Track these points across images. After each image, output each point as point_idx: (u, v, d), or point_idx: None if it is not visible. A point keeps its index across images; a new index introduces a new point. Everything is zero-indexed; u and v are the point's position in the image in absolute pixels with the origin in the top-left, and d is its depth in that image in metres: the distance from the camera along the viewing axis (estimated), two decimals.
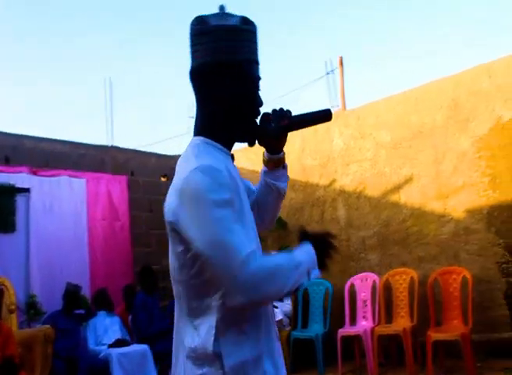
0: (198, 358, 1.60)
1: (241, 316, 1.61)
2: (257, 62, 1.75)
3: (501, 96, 6.01)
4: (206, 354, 1.58)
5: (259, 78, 1.75)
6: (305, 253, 1.61)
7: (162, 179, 8.76)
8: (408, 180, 6.59)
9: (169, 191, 1.65)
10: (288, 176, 1.95)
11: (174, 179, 1.64)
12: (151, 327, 6.51)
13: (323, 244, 1.67)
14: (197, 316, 1.63)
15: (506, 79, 6.01)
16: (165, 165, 8.85)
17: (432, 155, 6.44)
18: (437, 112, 6.49)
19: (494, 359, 5.48)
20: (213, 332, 1.58)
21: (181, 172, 1.61)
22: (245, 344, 1.61)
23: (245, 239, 1.52)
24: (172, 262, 1.69)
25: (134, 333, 6.63)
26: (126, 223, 8.18)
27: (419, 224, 6.41)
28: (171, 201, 1.61)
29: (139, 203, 8.46)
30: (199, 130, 1.73)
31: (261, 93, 1.76)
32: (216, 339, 1.58)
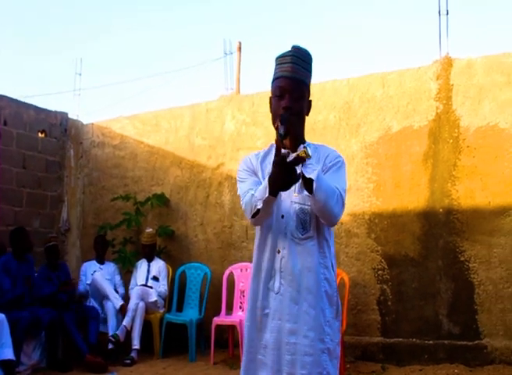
0: None
1: None
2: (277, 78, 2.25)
3: (392, 107, 5.92)
4: None
5: (277, 93, 2.22)
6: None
7: (40, 134, 7.76)
8: None
9: None
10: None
11: None
12: (9, 293, 5.68)
13: None
14: None
15: (398, 91, 5.92)
16: (44, 120, 7.86)
17: None
18: (330, 112, 6.27)
19: (363, 362, 5.47)
20: None
21: None
22: None
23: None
24: None
25: None
26: None
27: None
28: None
29: (10, 157, 7.43)
30: None
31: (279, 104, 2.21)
32: None
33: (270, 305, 2.16)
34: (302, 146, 2.03)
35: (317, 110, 6.31)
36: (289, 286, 2.12)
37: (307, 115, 2.29)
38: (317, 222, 2.14)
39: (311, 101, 2.29)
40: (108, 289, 6.30)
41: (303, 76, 2.22)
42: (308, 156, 1.99)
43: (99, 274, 6.43)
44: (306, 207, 2.15)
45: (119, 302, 6.21)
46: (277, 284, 2.14)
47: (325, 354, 2.11)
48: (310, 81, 2.27)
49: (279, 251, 2.15)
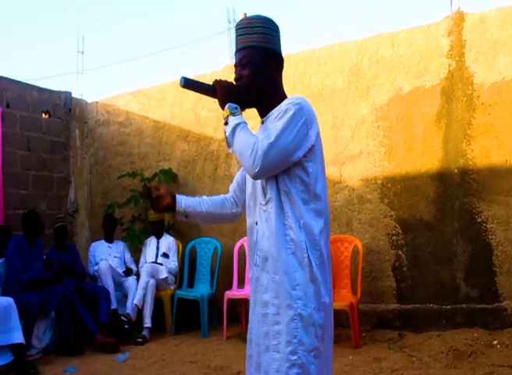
0: None
1: None
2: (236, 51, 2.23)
3: (403, 67, 5.74)
4: None
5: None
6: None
7: (44, 116, 7.69)
8: None
9: None
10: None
11: None
12: (23, 275, 5.65)
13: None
14: None
15: (408, 50, 5.73)
16: (48, 101, 7.78)
17: (330, 118, 6.06)
18: (339, 76, 6.10)
19: (379, 330, 5.36)
20: None
21: None
22: None
23: None
24: None
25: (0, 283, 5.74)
26: None
27: None
28: None
29: (15, 139, 7.35)
30: None
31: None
32: None
33: (254, 279, 2.12)
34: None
35: (325, 74, 6.17)
36: (260, 256, 2.07)
37: (273, 72, 2.20)
38: (276, 182, 2.04)
39: (271, 60, 2.18)
40: (110, 284, 6.21)
41: (245, 41, 2.19)
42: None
43: (105, 264, 6.35)
44: None
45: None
46: (255, 257, 2.10)
47: (296, 320, 1.94)
48: (259, 40, 2.16)
49: (256, 223, 2.11)
